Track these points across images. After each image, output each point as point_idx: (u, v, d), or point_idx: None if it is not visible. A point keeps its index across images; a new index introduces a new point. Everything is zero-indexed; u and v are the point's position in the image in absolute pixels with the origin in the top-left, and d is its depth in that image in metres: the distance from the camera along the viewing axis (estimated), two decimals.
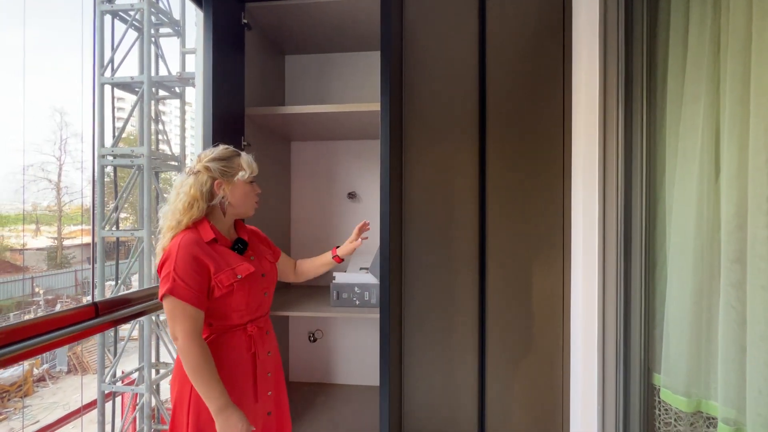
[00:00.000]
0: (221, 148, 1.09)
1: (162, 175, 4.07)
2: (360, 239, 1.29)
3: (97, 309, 1.01)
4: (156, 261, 1.02)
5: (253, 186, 1.13)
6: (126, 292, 1.21)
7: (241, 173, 1.07)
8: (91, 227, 3.74)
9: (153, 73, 3.44)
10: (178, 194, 1.03)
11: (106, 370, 3.51)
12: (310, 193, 2.19)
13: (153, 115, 3.56)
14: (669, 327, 1.10)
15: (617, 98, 1.23)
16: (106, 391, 3.45)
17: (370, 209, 2.08)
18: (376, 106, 1.43)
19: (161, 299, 0.95)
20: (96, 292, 3.61)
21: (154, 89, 3.57)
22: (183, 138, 3.51)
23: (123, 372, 4.41)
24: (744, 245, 0.88)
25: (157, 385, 3.81)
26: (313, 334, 2.11)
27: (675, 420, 1.09)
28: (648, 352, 1.20)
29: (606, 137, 1.25)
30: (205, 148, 1.36)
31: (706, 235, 1.00)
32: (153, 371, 3.72)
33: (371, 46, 1.96)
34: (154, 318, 3.71)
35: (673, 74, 1.11)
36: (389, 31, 1.35)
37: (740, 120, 0.90)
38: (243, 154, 1.12)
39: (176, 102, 3.87)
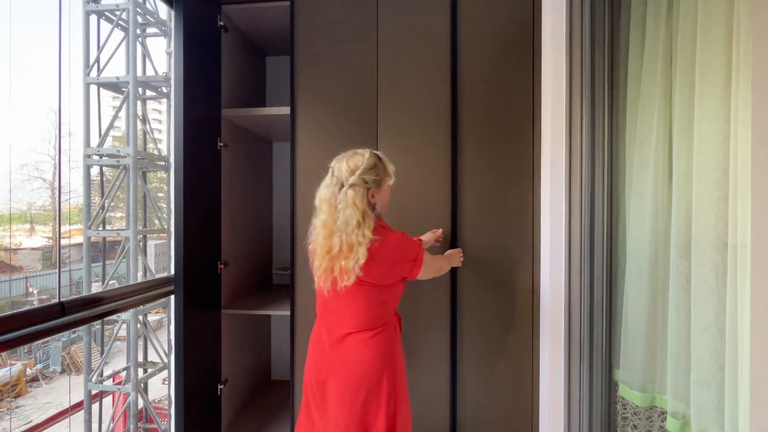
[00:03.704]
0: (367, 157, 1.10)
1: (149, 175, 4.07)
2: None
3: (63, 308, 1.02)
4: (355, 264, 1.03)
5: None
6: (97, 291, 1.22)
7: (387, 179, 1.13)
8: (83, 227, 3.73)
9: (140, 73, 3.44)
10: (345, 209, 1.04)
11: (94, 370, 3.52)
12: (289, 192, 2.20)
13: (140, 115, 3.57)
14: (627, 325, 1.13)
15: (581, 106, 1.26)
16: (93, 391, 3.46)
17: None
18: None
19: (420, 266, 1.13)
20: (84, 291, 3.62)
21: (141, 89, 3.58)
22: (170, 139, 3.52)
23: (113, 371, 4.41)
24: (689, 246, 0.91)
25: (145, 384, 3.81)
26: None
27: (632, 415, 1.12)
28: (610, 349, 1.23)
29: (571, 144, 1.28)
30: (176, 149, 1.38)
31: (660, 236, 1.03)
32: (141, 370, 3.72)
33: None
34: (141, 318, 3.72)
35: (631, 84, 1.14)
36: (293, 38, 1.52)
37: (688, 126, 0.93)
38: (379, 154, 1.14)
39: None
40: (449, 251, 1.41)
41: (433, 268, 1.22)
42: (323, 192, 1.11)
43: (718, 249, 0.85)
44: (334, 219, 1.06)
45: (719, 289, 0.85)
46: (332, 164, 1.13)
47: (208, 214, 1.60)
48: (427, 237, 1.43)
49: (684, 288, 0.93)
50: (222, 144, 1.68)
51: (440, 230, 1.46)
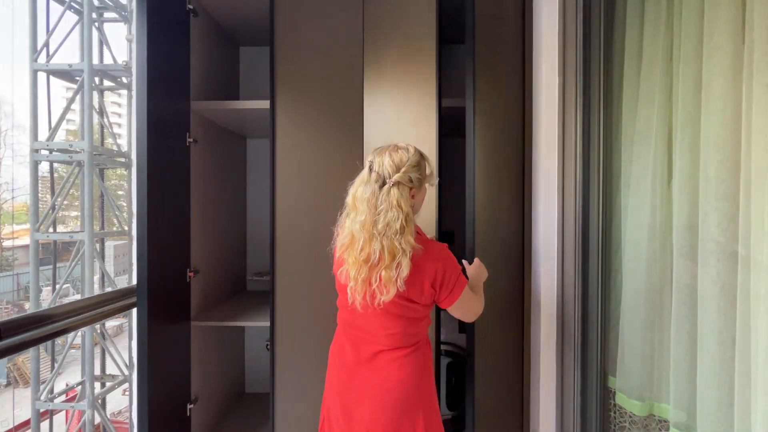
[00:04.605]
0: (412, 152, 0.99)
1: (107, 172, 3.75)
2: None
3: None
4: (397, 276, 0.92)
5: None
6: (42, 309, 1.06)
7: (429, 179, 1.03)
8: (30, 227, 3.38)
9: (96, 61, 3.15)
10: (388, 210, 0.93)
11: (43, 385, 3.18)
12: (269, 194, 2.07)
13: (97, 107, 3.27)
14: (624, 331, 1.10)
15: (575, 106, 1.22)
16: (42, 409, 3.13)
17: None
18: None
19: (459, 293, 1.01)
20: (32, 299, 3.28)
21: (98, 79, 3.28)
22: (131, 134, 3.25)
23: (67, 385, 4.03)
24: (695, 250, 0.89)
25: (103, 400, 3.50)
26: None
27: (629, 423, 1.09)
28: (604, 355, 1.20)
29: (565, 144, 1.24)
30: (139, 145, 1.23)
31: (659, 240, 1.00)
32: (98, 384, 3.42)
33: None
34: (98, 326, 3.42)
35: (628, 82, 1.10)
36: (273, 25, 1.41)
37: (691, 125, 0.90)
38: (421, 151, 1.02)
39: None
40: (476, 270, 1.18)
41: (469, 307, 1.05)
42: (361, 190, 0.97)
43: (725, 248, 0.83)
44: (374, 221, 0.93)
45: (728, 291, 0.82)
46: (369, 158, 1.00)
47: (175, 217, 1.45)
48: (471, 271, 1.19)
49: (688, 290, 0.91)
50: (191, 140, 1.53)
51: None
